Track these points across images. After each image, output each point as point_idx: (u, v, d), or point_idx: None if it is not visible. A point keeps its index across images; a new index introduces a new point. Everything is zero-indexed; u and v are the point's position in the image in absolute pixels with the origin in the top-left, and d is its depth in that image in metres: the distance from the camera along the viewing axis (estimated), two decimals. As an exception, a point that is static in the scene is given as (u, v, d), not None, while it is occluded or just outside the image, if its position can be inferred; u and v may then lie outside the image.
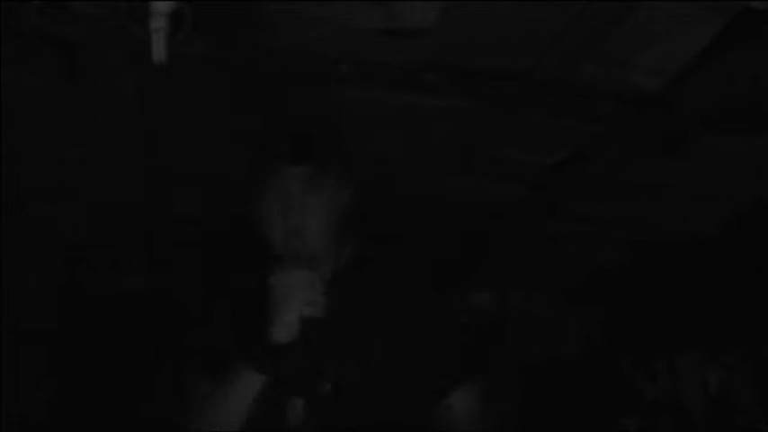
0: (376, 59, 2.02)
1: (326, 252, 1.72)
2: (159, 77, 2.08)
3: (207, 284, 3.60)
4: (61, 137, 2.57)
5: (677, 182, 2.68)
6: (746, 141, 2.35)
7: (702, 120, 2.23)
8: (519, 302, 4.18)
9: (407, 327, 1.70)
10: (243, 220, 1.78)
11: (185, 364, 1.82)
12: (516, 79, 2.08)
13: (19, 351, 3.46)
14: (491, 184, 2.79)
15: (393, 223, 2.93)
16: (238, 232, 2.07)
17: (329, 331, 1.64)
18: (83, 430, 3.81)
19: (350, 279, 1.75)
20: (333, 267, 1.75)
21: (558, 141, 2.47)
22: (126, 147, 2.62)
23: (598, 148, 2.45)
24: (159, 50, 1.48)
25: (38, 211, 3.19)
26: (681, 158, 2.49)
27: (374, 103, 2.25)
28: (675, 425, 3.59)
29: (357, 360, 1.68)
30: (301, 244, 1.66)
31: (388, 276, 1.79)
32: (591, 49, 1.94)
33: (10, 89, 2.18)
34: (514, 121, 2.32)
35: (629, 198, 2.84)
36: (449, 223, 3.19)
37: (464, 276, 3.77)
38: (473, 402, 1.78)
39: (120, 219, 3.28)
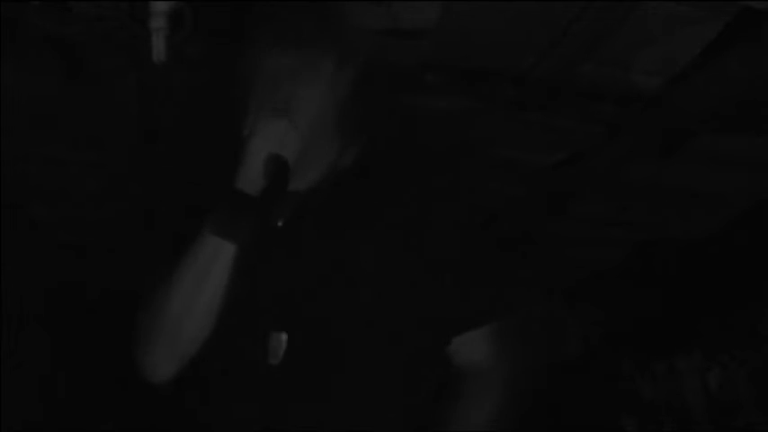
0: (376, 59, 2.01)
1: (320, 154, 1.40)
2: (159, 77, 2.08)
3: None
4: (61, 137, 2.57)
5: (677, 182, 2.68)
6: (746, 141, 2.35)
7: (702, 120, 2.23)
8: (519, 303, 4.17)
9: (415, 248, 1.38)
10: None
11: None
12: (516, 79, 2.08)
13: (19, 351, 3.46)
14: (491, 184, 2.79)
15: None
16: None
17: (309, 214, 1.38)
18: (83, 429, 3.81)
19: (348, 189, 1.42)
20: (328, 174, 1.42)
21: (558, 141, 2.46)
22: (126, 147, 2.62)
23: (598, 148, 2.45)
24: (159, 50, 1.49)
25: (38, 211, 3.19)
26: (681, 158, 2.49)
27: (374, 103, 2.25)
28: (675, 425, 3.59)
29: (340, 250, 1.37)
30: (287, 120, 1.32)
31: (399, 190, 1.44)
32: (591, 50, 1.94)
33: (10, 89, 2.18)
34: (514, 121, 2.32)
35: (629, 198, 2.84)
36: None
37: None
38: (488, 356, 1.41)
39: (119, 218, 3.28)
